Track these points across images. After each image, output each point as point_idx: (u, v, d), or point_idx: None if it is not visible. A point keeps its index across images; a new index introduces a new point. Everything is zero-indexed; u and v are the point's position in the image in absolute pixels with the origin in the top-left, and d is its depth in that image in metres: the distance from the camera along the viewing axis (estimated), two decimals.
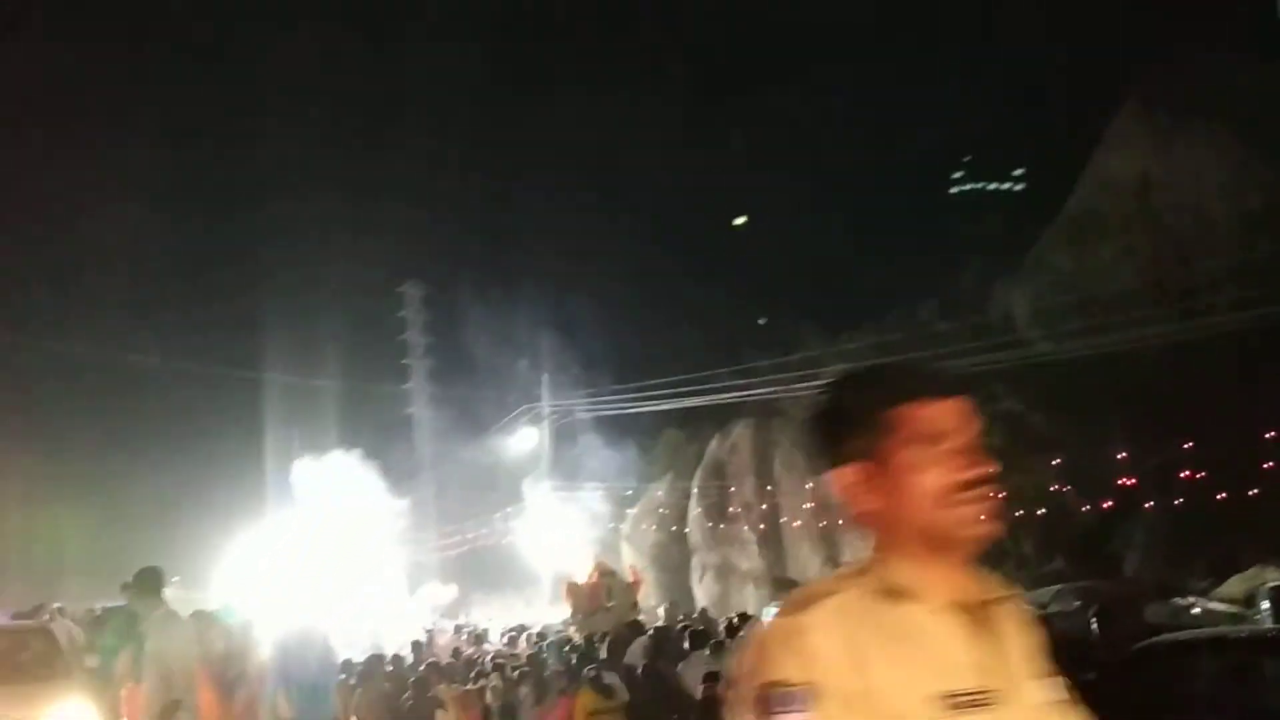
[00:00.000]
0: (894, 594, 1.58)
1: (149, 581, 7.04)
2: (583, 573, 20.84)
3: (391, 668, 11.39)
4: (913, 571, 1.61)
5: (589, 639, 12.25)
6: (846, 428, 1.68)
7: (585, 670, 9.56)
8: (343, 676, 10.44)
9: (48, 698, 8.79)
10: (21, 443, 31.61)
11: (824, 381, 1.81)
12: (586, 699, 9.27)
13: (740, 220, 50.38)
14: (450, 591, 29.63)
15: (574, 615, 18.62)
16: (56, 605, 14.51)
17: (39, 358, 32.06)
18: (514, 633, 18.28)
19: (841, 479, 1.68)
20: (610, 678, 9.61)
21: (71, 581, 26.65)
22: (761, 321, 35.34)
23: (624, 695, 9.47)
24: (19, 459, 31.23)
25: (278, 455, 27.74)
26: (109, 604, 14.44)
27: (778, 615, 1.65)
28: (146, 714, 6.64)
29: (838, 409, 1.73)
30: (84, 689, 9.22)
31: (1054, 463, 20.92)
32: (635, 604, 19.02)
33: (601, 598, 18.62)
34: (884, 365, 1.85)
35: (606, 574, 19.14)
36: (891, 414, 1.63)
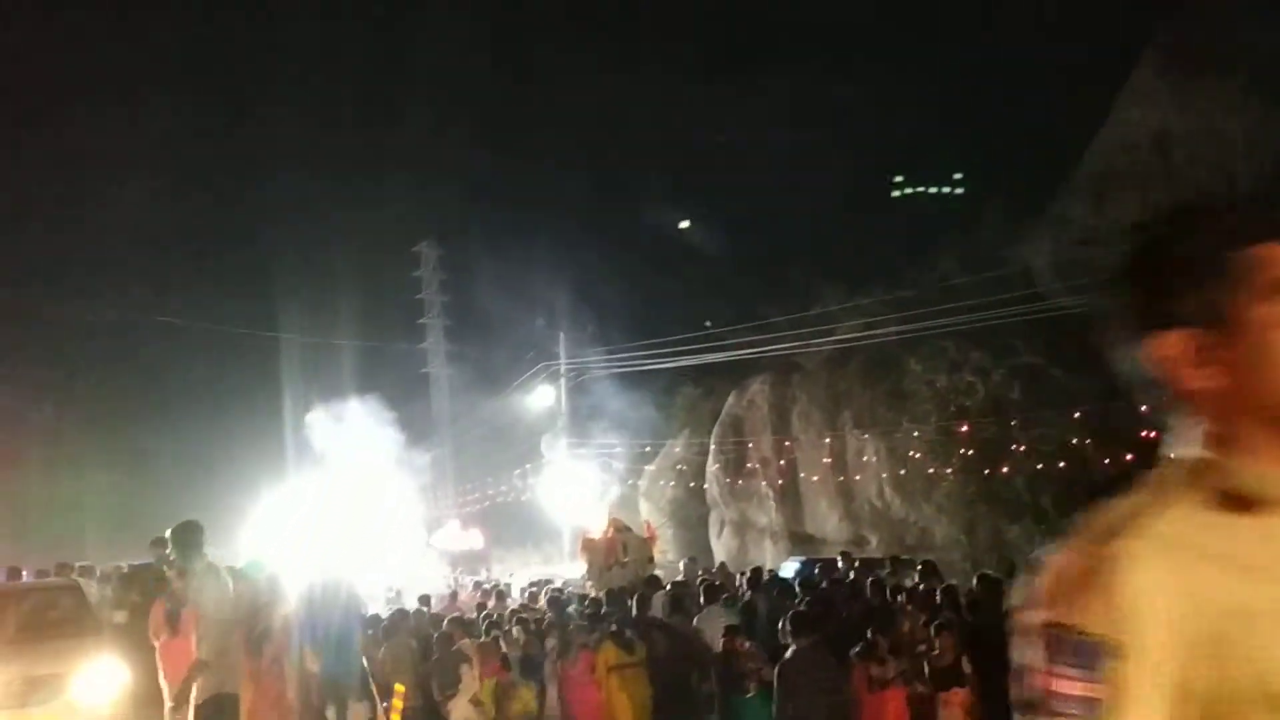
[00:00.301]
0: (1246, 502, 1.21)
1: (190, 535, 7.03)
2: (598, 528, 20.95)
3: (414, 623, 11.48)
4: (1272, 469, 1.22)
5: (609, 594, 12.30)
6: (1174, 279, 1.27)
7: (606, 625, 9.60)
8: (370, 632, 10.54)
9: (79, 654, 8.91)
10: (41, 404, 31.92)
11: (1145, 222, 1.33)
12: (608, 653, 9.32)
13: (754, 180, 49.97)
14: (472, 538, 29.75)
15: (590, 570, 18.79)
16: (80, 564, 14.66)
17: (59, 320, 32.25)
18: (534, 588, 18.42)
19: (1163, 348, 1.28)
20: (631, 632, 9.66)
21: (92, 541, 26.93)
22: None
23: (644, 649, 9.53)
24: (40, 420, 31.55)
25: (297, 414, 27.87)
26: (135, 562, 14.61)
27: (1080, 541, 1.27)
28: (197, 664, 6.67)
29: (1160, 256, 1.31)
30: (113, 645, 9.34)
31: (1075, 416, 20.80)
32: (651, 559, 19.13)
33: (617, 553, 18.72)
34: (1222, 198, 1.45)
35: (621, 530, 19.23)
36: (1244, 257, 1.23)
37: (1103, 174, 25.15)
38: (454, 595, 18.48)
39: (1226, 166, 22.74)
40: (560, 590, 15.77)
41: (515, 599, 17.08)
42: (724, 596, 11.21)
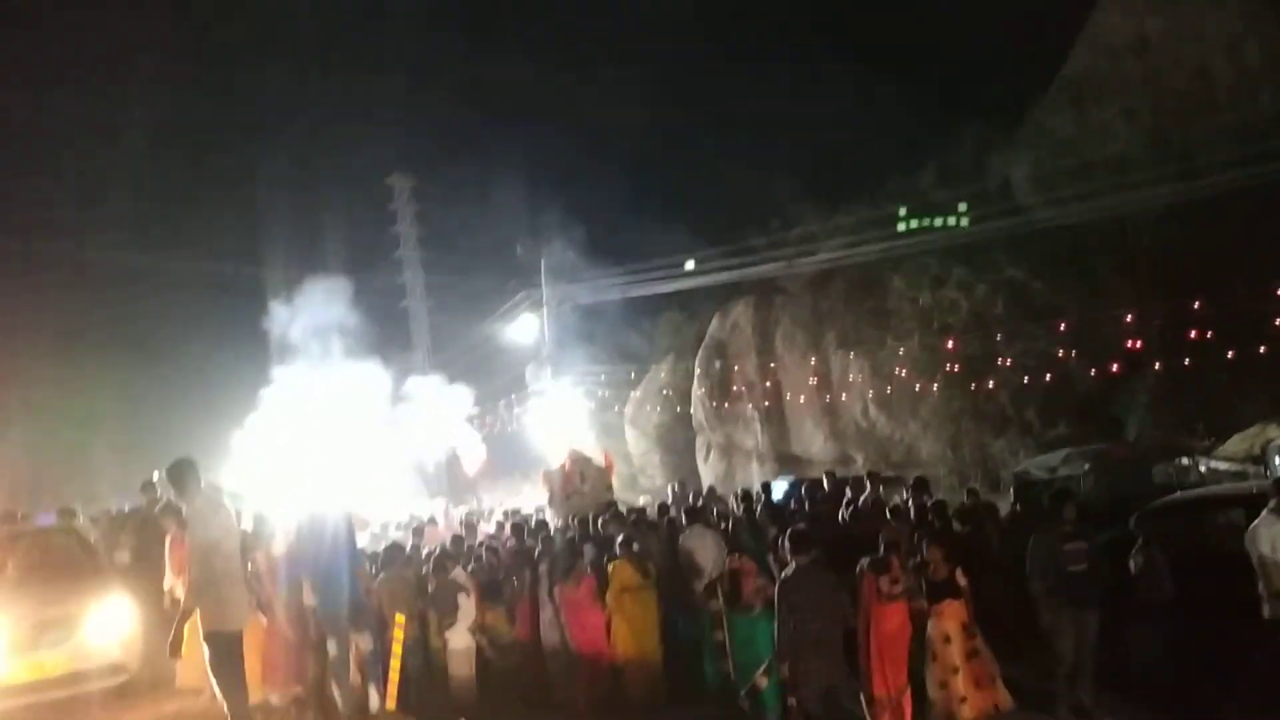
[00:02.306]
0: None
1: (185, 472, 6.92)
2: (558, 460, 21.36)
3: (409, 555, 11.45)
4: None
5: (580, 521, 12.52)
6: None
7: (620, 544, 9.59)
8: (366, 565, 10.48)
9: (88, 594, 8.85)
10: (20, 348, 31.53)
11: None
12: (625, 574, 9.31)
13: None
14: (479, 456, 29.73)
15: (550, 500, 19.26)
16: (61, 509, 14.44)
17: (40, 260, 31.74)
18: (503, 519, 18.76)
19: None
20: (644, 553, 9.67)
21: (75, 486, 26.86)
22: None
23: (656, 572, 9.56)
24: (20, 366, 31.18)
25: (277, 352, 27.58)
26: (130, 505, 14.54)
27: None
28: (190, 599, 6.62)
29: None
30: (119, 585, 9.28)
31: (1059, 329, 20.86)
32: (609, 486, 19.66)
33: (575, 483, 19.18)
34: None
35: (579, 460, 19.70)
36: None
37: (1082, 81, 24.89)
38: (432, 522, 18.86)
39: (1208, 69, 22.53)
40: (525, 519, 16.17)
41: (488, 529, 17.35)
42: (708, 517, 11.34)
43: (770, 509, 12.85)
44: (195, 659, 8.27)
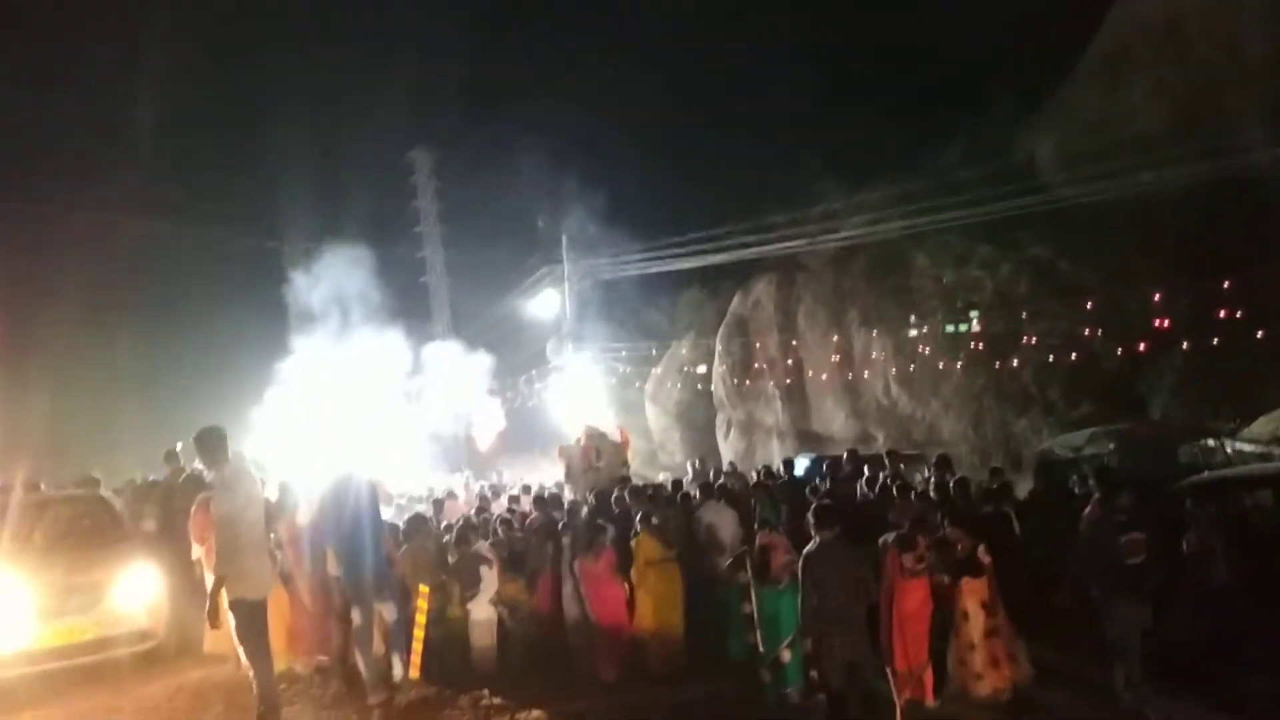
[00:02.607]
0: None
1: (213, 440, 6.94)
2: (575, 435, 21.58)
3: (432, 526, 11.52)
4: None
5: (598, 494, 12.63)
6: None
7: (642, 518, 9.63)
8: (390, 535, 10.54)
9: (115, 561, 8.94)
10: (38, 319, 31.74)
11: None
12: (649, 547, 9.35)
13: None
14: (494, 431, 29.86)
15: (567, 475, 19.41)
16: (94, 477, 14.56)
17: (56, 229, 31.91)
18: (519, 492, 18.94)
19: None
20: (667, 527, 9.70)
21: (98, 456, 27.03)
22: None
23: (679, 545, 9.60)
24: (37, 336, 31.39)
25: (297, 325, 27.68)
26: (153, 476, 14.65)
27: None
28: (220, 567, 6.65)
29: None
30: (146, 553, 9.36)
31: (1084, 307, 20.66)
32: (625, 462, 19.82)
33: (591, 458, 19.36)
34: None
35: (595, 436, 19.92)
36: None
37: (1113, 56, 24.51)
38: (452, 495, 19.09)
39: (1241, 44, 22.14)
40: (546, 491, 16.37)
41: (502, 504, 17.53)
42: (723, 493, 11.44)
43: (791, 485, 12.92)
44: (223, 626, 8.38)
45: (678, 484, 13.58)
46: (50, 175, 37.83)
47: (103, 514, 10.17)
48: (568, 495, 16.84)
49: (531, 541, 10.74)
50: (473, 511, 14.26)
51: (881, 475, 12.80)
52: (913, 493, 10.73)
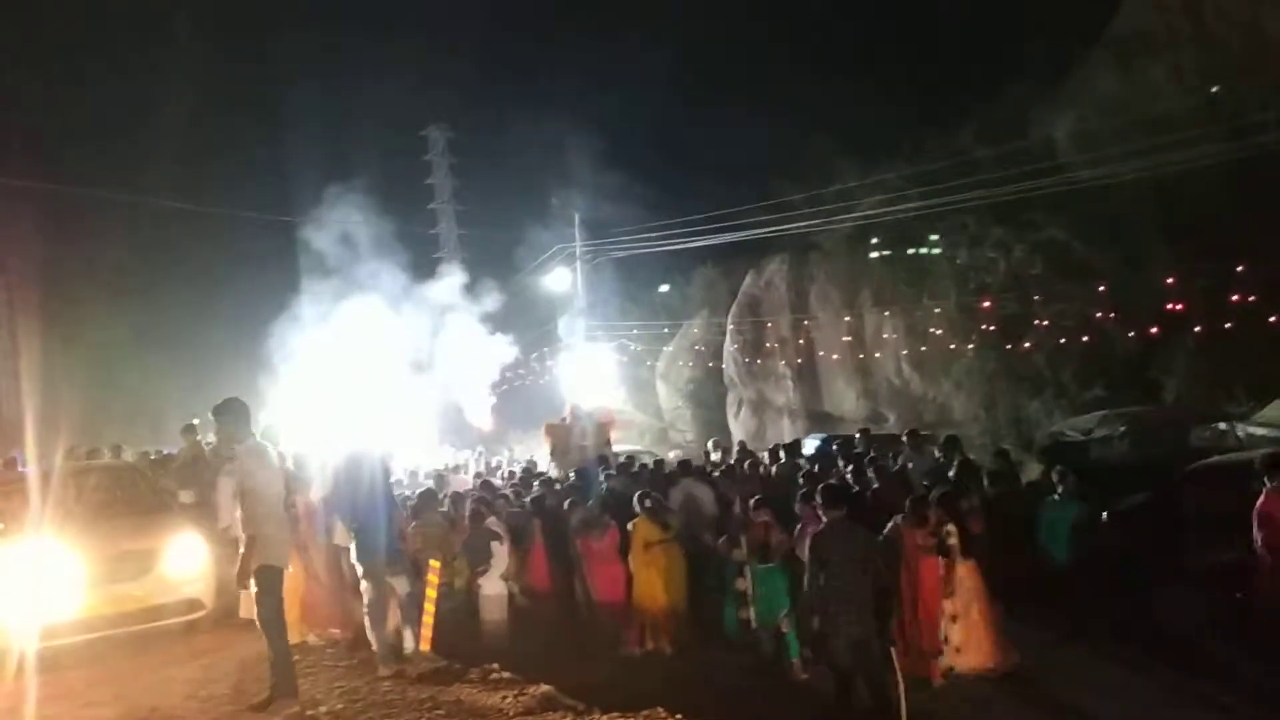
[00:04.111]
0: None
1: (236, 412, 6.94)
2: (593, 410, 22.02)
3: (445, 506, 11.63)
4: None
5: (579, 472, 13.20)
6: None
7: (640, 500, 9.69)
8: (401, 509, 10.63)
9: (166, 529, 8.84)
10: (49, 294, 31.87)
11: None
12: (646, 530, 9.42)
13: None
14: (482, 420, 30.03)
15: (553, 454, 19.95)
16: (87, 450, 14.49)
17: (69, 207, 32.00)
18: (511, 470, 19.30)
19: None
20: (664, 508, 9.76)
21: (107, 429, 27.16)
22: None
23: (677, 525, 9.66)
24: (48, 310, 31.53)
25: (309, 300, 27.73)
26: (166, 449, 14.72)
27: None
28: (250, 530, 6.66)
29: None
30: (188, 521, 9.32)
31: (1099, 290, 20.58)
32: (608, 441, 20.51)
33: (576, 437, 19.71)
34: None
35: (580, 416, 20.82)
36: None
37: (1130, 37, 24.29)
38: (455, 470, 19.60)
39: (1260, 25, 21.91)
40: (528, 472, 16.76)
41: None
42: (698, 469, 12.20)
43: (793, 467, 13.05)
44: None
45: (659, 463, 14.15)
46: (63, 153, 37.87)
47: (142, 484, 10.09)
48: (554, 473, 17.04)
49: (521, 518, 10.96)
50: (466, 489, 14.53)
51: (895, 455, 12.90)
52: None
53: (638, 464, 14.60)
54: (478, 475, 18.41)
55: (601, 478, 12.25)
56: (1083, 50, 25.93)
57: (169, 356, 36.71)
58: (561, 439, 20.11)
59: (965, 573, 7.87)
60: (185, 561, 8.63)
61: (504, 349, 28.55)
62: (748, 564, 8.66)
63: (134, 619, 8.18)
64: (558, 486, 12.64)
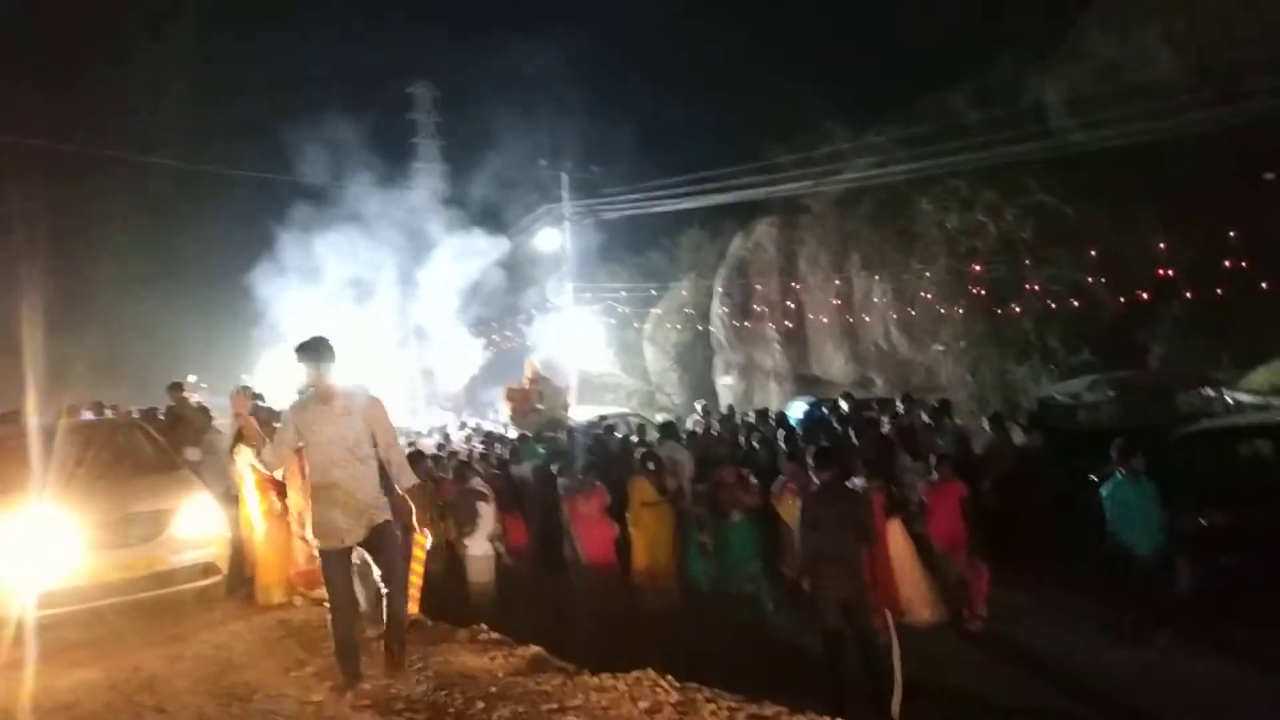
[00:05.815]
0: None
1: (327, 350, 6.16)
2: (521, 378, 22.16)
3: (431, 464, 11.55)
4: None
5: (537, 436, 13.71)
6: None
7: (638, 460, 9.71)
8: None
9: (179, 490, 8.41)
10: (37, 250, 31.51)
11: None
12: (643, 490, 9.44)
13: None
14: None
15: (511, 416, 20.17)
16: (68, 405, 14.13)
17: (54, 163, 31.56)
18: (471, 432, 19.46)
19: None
20: (662, 470, 9.76)
21: (96, 387, 26.95)
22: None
23: (674, 486, 9.71)
24: (34, 266, 31.20)
25: (295, 262, 27.53)
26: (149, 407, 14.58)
27: None
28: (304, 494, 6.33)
29: None
30: (198, 482, 8.84)
31: (1088, 255, 20.55)
32: (566, 405, 20.97)
33: (533, 400, 20.11)
34: None
35: (538, 380, 20.82)
36: None
37: (1125, 1, 24.10)
38: (431, 434, 19.87)
39: None
40: (490, 434, 17.23)
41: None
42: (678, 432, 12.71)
43: (765, 431, 13.29)
44: (275, 560, 8.36)
45: (642, 426, 14.84)
46: (56, 107, 37.32)
47: (149, 441, 9.48)
48: (512, 434, 17.35)
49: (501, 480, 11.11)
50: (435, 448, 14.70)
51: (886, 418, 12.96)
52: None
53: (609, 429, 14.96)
54: (446, 436, 18.59)
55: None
56: (1076, 15, 25.72)
57: (149, 314, 36.41)
58: (520, 402, 20.29)
59: (894, 530, 8.28)
60: (198, 524, 8.17)
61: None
62: (709, 519, 9.44)
63: (144, 585, 7.71)
64: (541, 450, 12.76)
